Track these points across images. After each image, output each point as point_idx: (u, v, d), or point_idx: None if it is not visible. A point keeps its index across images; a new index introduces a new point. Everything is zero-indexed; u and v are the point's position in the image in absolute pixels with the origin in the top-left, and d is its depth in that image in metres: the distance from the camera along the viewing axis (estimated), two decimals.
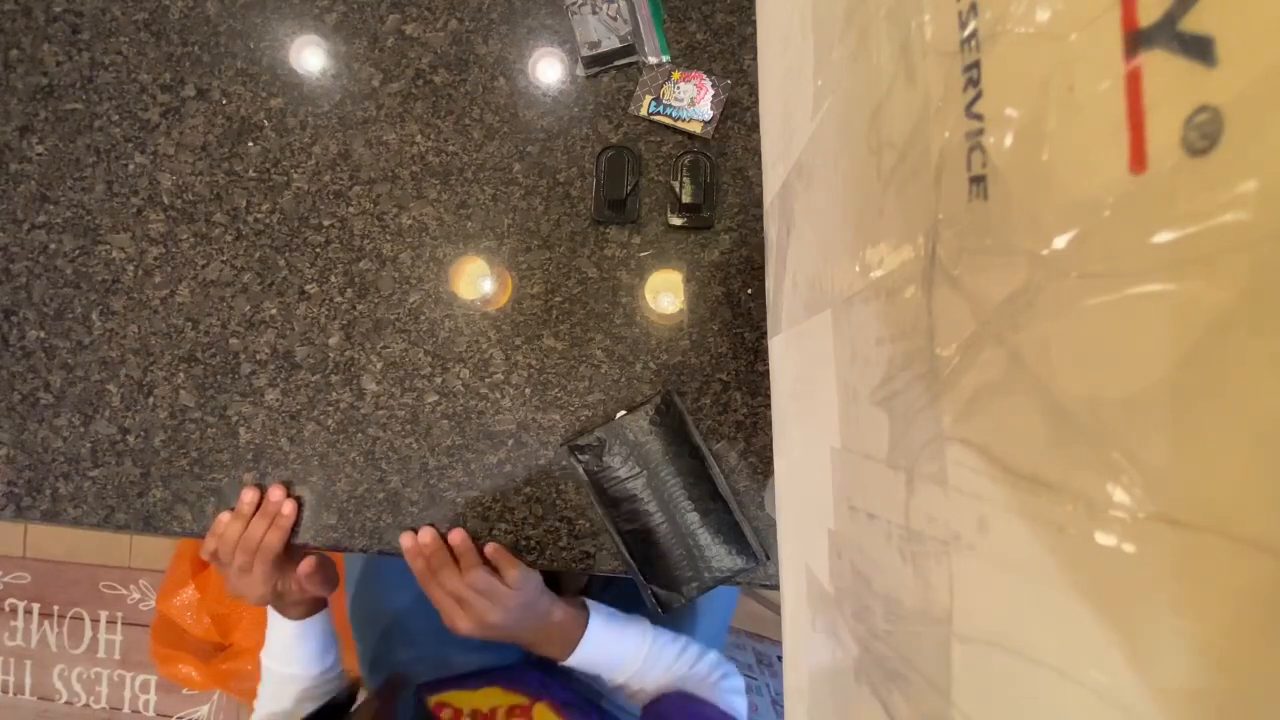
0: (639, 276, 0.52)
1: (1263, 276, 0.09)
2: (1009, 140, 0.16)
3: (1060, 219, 0.14)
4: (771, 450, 0.50)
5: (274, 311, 0.53)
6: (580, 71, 0.52)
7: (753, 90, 0.52)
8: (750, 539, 0.49)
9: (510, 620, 0.49)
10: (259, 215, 0.53)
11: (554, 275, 0.52)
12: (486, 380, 0.51)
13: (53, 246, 0.54)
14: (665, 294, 0.52)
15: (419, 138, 0.53)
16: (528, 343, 0.51)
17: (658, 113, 0.51)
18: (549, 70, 0.53)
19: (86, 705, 1.31)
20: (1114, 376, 0.12)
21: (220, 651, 1.07)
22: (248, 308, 0.53)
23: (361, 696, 0.60)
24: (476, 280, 0.52)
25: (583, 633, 0.51)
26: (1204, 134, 0.10)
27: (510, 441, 0.51)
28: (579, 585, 0.72)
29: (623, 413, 0.50)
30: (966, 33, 0.17)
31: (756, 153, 0.52)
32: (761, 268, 0.51)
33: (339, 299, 0.52)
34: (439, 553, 0.50)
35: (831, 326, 0.31)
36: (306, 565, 0.50)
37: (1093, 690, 0.13)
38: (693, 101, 0.51)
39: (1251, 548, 0.09)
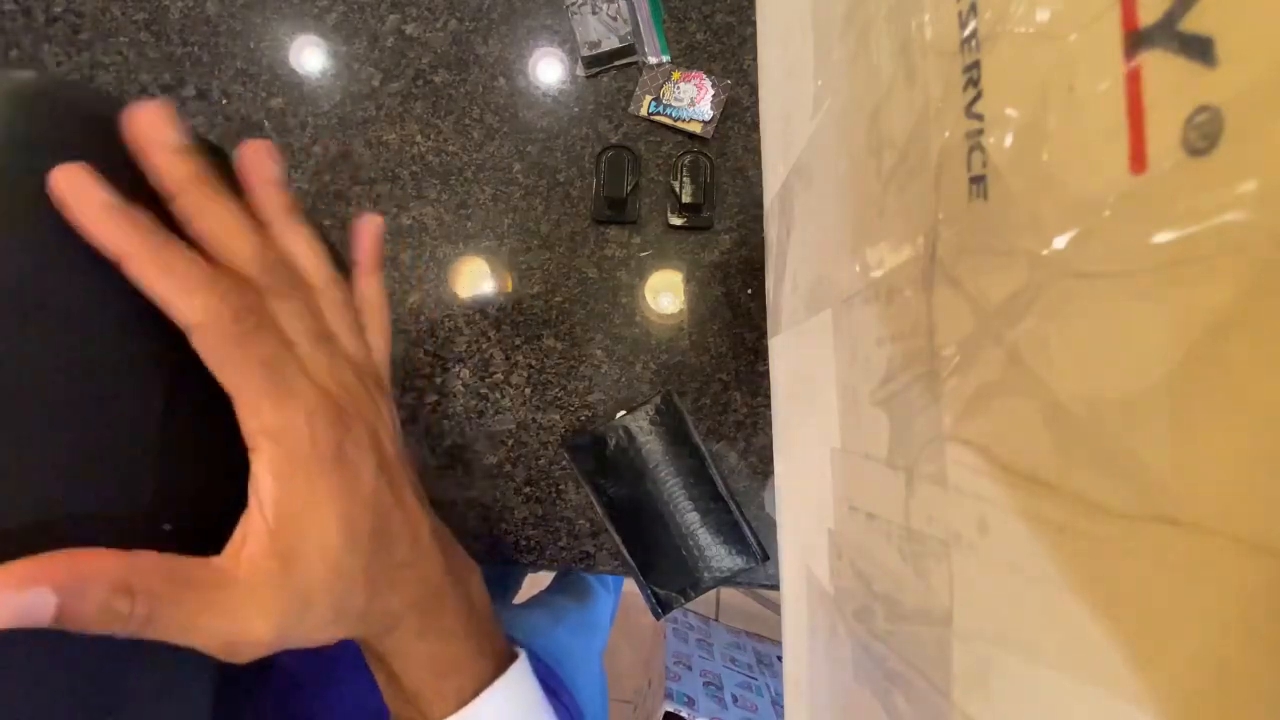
0: (639, 276, 0.52)
1: (1263, 276, 0.09)
2: (1009, 140, 0.16)
3: (1060, 219, 0.14)
4: (771, 450, 0.50)
5: None
6: (580, 71, 0.52)
7: (753, 90, 0.52)
8: (750, 539, 0.49)
9: (387, 509, 0.24)
10: None
11: (554, 275, 0.52)
12: (486, 380, 0.51)
13: None
14: (665, 294, 0.52)
15: (419, 138, 0.53)
16: (528, 343, 0.51)
17: (658, 113, 0.51)
18: (549, 70, 0.53)
19: None
20: (1114, 376, 0.12)
21: None
22: None
23: None
24: (476, 280, 0.52)
25: (493, 676, 0.29)
26: (1204, 134, 0.10)
27: (510, 441, 0.51)
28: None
29: (623, 413, 0.50)
30: (966, 33, 0.17)
31: (756, 153, 0.52)
32: (761, 268, 0.51)
33: None
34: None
35: (831, 326, 0.31)
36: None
37: (1093, 690, 0.13)
38: (693, 101, 0.51)
39: (1251, 548, 0.09)
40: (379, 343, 0.28)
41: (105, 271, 0.19)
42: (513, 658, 0.31)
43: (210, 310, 0.20)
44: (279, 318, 0.22)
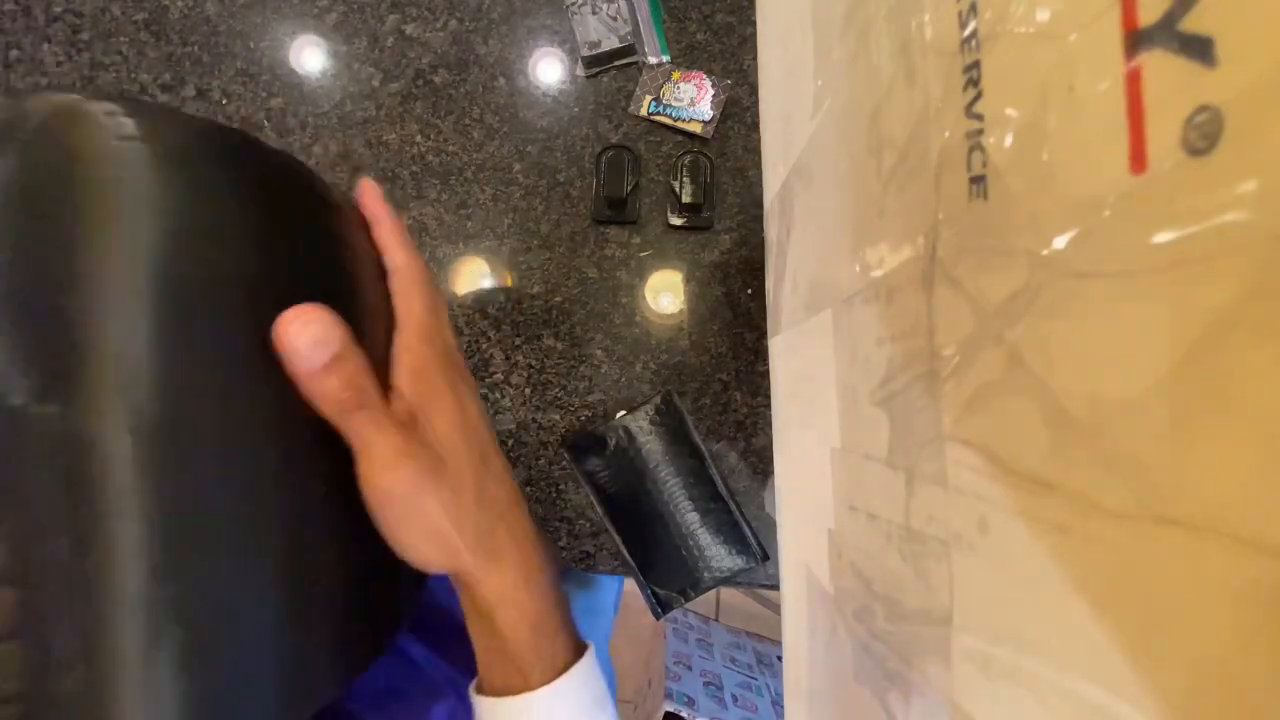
0: (639, 276, 0.52)
1: (1263, 277, 0.09)
2: (1009, 140, 0.16)
3: (1060, 219, 0.14)
4: (771, 450, 0.50)
5: None
6: (580, 71, 0.52)
7: (753, 90, 0.52)
8: (750, 539, 0.49)
9: (489, 444, 0.30)
10: None
11: (554, 275, 0.52)
12: (486, 380, 0.51)
13: None
14: (665, 294, 0.52)
15: (419, 138, 0.53)
16: (528, 343, 0.51)
17: (658, 113, 0.51)
18: (549, 70, 0.53)
19: None
20: (1114, 376, 0.12)
21: None
22: None
23: None
24: (476, 280, 0.52)
25: (577, 657, 0.31)
26: (1204, 134, 0.10)
27: (510, 441, 0.51)
28: None
29: (623, 413, 0.50)
30: (966, 33, 0.17)
31: (756, 153, 0.52)
32: (761, 268, 0.51)
33: None
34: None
35: (831, 327, 0.31)
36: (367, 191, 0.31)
37: (1093, 690, 0.13)
38: (693, 101, 0.51)
39: (1251, 548, 0.09)
40: None
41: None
42: (584, 645, 0.33)
43: (411, 260, 0.30)
44: (425, 298, 0.31)
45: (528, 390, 0.51)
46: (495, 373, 0.51)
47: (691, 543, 0.50)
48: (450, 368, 0.29)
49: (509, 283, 0.52)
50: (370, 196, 0.31)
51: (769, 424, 0.50)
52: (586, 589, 0.69)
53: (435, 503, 0.26)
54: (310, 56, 0.53)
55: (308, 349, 0.22)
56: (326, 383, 0.23)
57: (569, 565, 0.51)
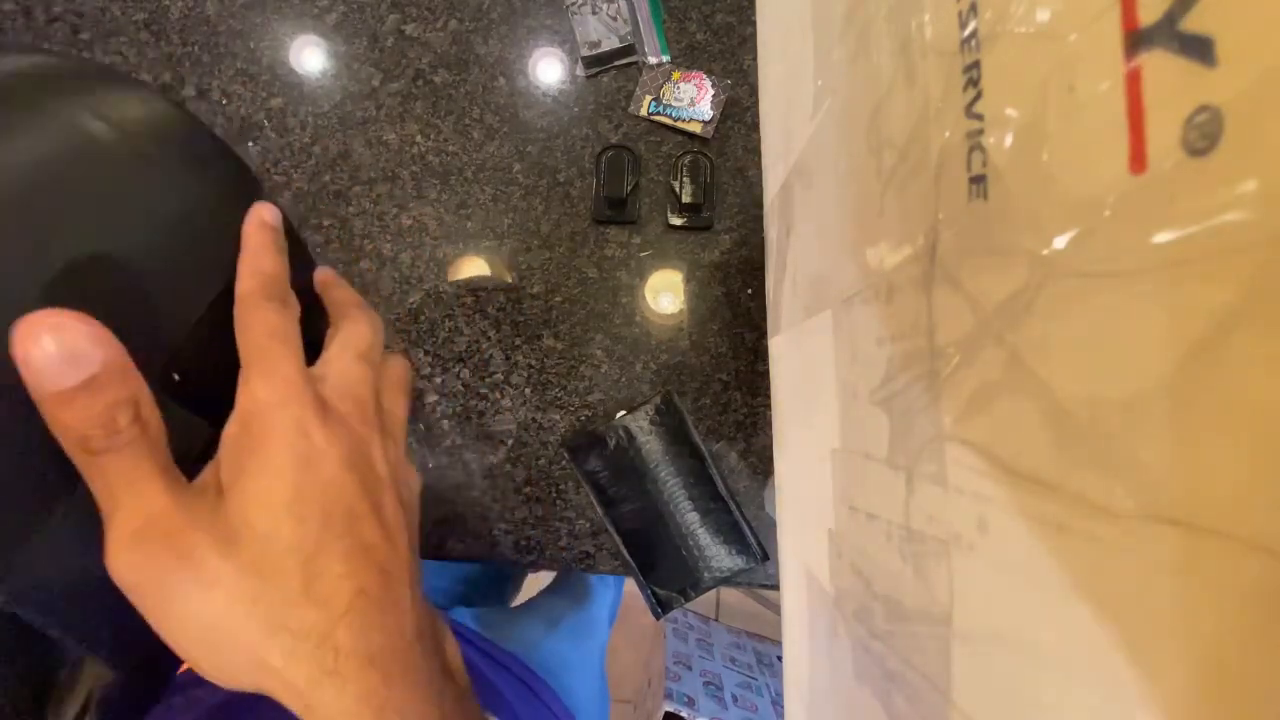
0: (639, 276, 0.52)
1: (1263, 277, 0.09)
2: (1009, 140, 0.16)
3: (1060, 219, 0.14)
4: (771, 450, 0.50)
5: None
6: (580, 71, 0.52)
7: (753, 90, 0.52)
8: (750, 539, 0.49)
9: (346, 513, 0.22)
10: None
11: (554, 275, 0.52)
12: (486, 380, 0.51)
13: None
14: (665, 294, 0.52)
15: (419, 138, 0.53)
16: (528, 343, 0.51)
17: (658, 113, 0.51)
18: (549, 70, 0.53)
19: None
20: (1114, 376, 0.12)
21: None
22: None
23: None
24: (476, 281, 0.52)
25: None
26: (1204, 134, 0.10)
27: (510, 441, 0.51)
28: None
29: (623, 413, 0.50)
30: (966, 33, 0.17)
31: (756, 153, 0.52)
32: (761, 268, 0.51)
33: None
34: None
35: (831, 327, 0.31)
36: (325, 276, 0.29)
37: (1093, 691, 0.13)
38: (693, 101, 0.51)
39: (1251, 548, 0.09)
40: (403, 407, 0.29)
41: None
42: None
43: (250, 288, 0.24)
44: (340, 328, 0.27)
45: (528, 390, 0.51)
46: (495, 373, 0.51)
47: (691, 543, 0.50)
48: (299, 411, 0.21)
49: (509, 282, 0.52)
50: (324, 277, 0.29)
51: (769, 424, 0.50)
52: (578, 606, 0.68)
53: (218, 597, 0.19)
54: (310, 56, 0.53)
55: (53, 365, 0.16)
56: (68, 411, 0.17)
57: (568, 567, 0.51)
